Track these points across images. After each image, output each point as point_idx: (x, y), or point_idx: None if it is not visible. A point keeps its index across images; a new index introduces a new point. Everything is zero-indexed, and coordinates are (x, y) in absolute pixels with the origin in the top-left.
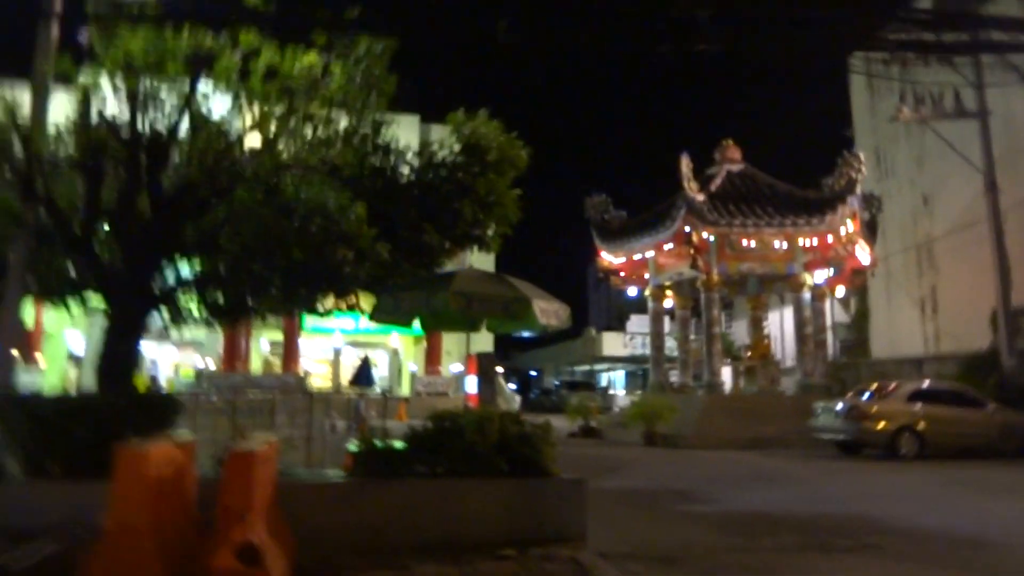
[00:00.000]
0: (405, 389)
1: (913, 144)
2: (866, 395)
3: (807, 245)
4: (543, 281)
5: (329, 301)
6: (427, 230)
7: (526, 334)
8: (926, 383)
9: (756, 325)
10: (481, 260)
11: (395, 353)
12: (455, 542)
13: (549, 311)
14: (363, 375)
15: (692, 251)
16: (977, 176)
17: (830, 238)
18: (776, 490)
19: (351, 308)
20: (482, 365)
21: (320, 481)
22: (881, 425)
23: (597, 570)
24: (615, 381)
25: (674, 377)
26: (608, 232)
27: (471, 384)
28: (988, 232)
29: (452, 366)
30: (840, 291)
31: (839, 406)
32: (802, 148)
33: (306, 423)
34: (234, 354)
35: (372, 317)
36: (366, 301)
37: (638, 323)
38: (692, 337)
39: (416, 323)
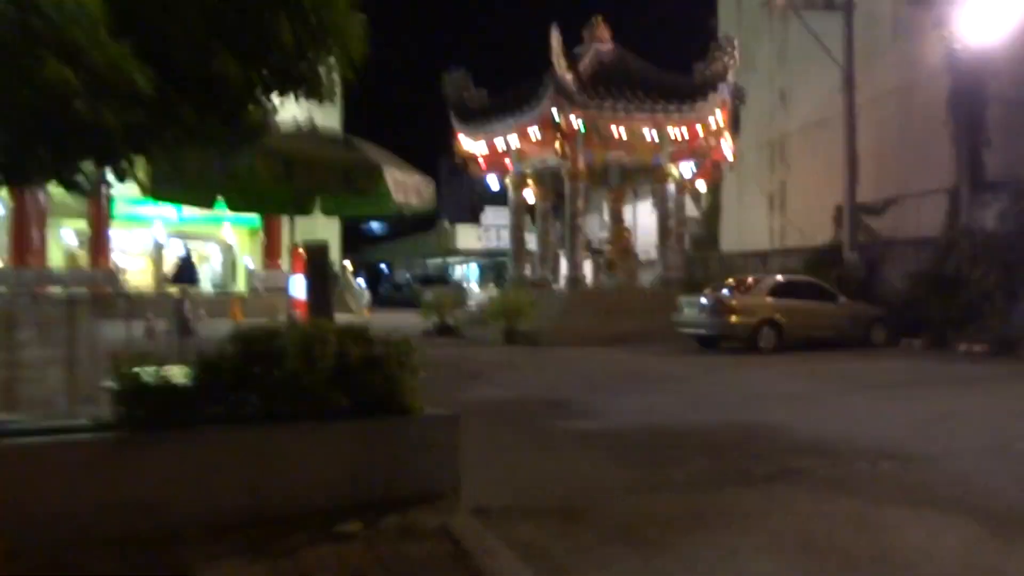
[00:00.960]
0: (241, 286)
1: (775, 39)
2: (726, 290)
3: (676, 136)
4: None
5: (88, 166)
6: (220, 54)
7: (376, 224)
8: (785, 277)
9: (616, 218)
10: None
11: (228, 247)
12: (273, 516)
13: (408, 186)
14: (185, 272)
15: (559, 137)
16: (835, 73)
17: (699, 128)
18: (657, 393)
19: (120, 176)
20: (313, 260)
21: (54, 440)
22: (744, 319)
23: (478, 546)
24: (469, 275)
25: (530, 272)
26: (467, 113)
27: (298, 286)
28: (840, 129)
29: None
30: (701, 185)
31: (703, 301)
32: (669, 34)
33: (68, 339)
34: (24, 246)
35: (152, 191)
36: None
37: (493, 215)
38: (552, 229)
39: (228, 206)
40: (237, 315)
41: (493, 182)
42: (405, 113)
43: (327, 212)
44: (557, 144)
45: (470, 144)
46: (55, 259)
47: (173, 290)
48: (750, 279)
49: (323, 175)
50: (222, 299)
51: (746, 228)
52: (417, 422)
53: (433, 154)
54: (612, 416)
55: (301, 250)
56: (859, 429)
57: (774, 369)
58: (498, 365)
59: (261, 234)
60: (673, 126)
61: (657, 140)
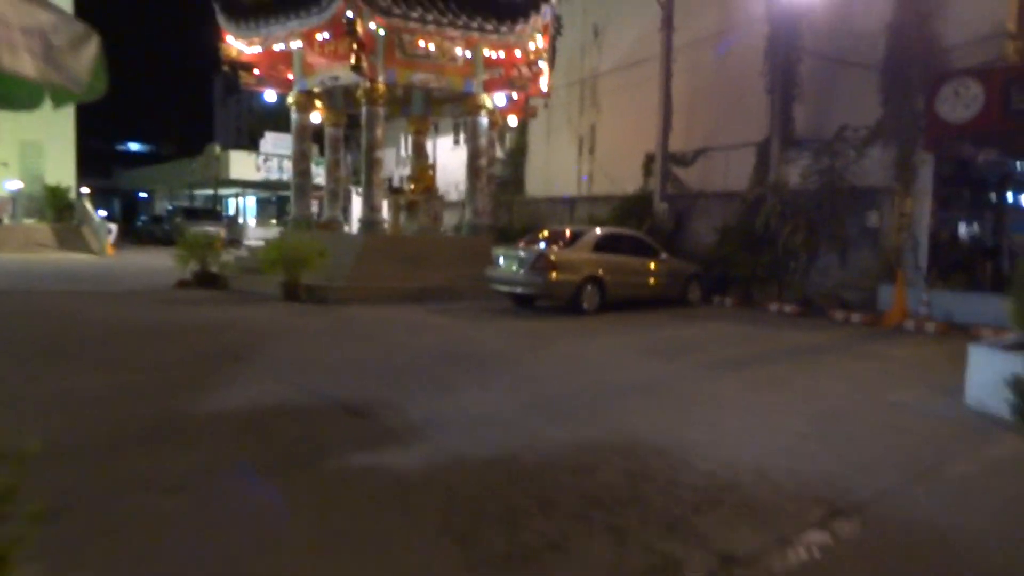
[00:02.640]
0: None
1: None
2: (541, 243)
3: (491, 58)
4: (155, 88)
5: None
6: None
7: (136, 144)
8: (607, 230)
9: (419, 152)
10: None
11: None
12: None
13: (17, 43)
14: None
15: (354, 47)
16: (653, 10)
17: (517, 53)
18: (485, 386)
19: None
20: None
21: None
22: (566, 276)
23: None
24: (245, 209)
25: (317, 211)
26: (237, 9)
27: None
28: (654, 72)
29: (7, 183)
30: (512, 121)
31: (522, 255)
32: None
33: None
34: None
35: None
36: None
37: (274, 142)
38: (344, 162)
39: None
40: None
41: (270, 96)
42: (174, 10)
43: None
44: (352, 57)
45: (242, 47)
46: None
47: None
48: (567, 231)
49: None
50: None
51: (553, 172)
52: None
53: (210, 70)
54: (435, 437)
55: None
56: (763, 448)
57: (606, 339)
58: (270, 336)
59: None
60: (489, 48)
61: (470, 62)
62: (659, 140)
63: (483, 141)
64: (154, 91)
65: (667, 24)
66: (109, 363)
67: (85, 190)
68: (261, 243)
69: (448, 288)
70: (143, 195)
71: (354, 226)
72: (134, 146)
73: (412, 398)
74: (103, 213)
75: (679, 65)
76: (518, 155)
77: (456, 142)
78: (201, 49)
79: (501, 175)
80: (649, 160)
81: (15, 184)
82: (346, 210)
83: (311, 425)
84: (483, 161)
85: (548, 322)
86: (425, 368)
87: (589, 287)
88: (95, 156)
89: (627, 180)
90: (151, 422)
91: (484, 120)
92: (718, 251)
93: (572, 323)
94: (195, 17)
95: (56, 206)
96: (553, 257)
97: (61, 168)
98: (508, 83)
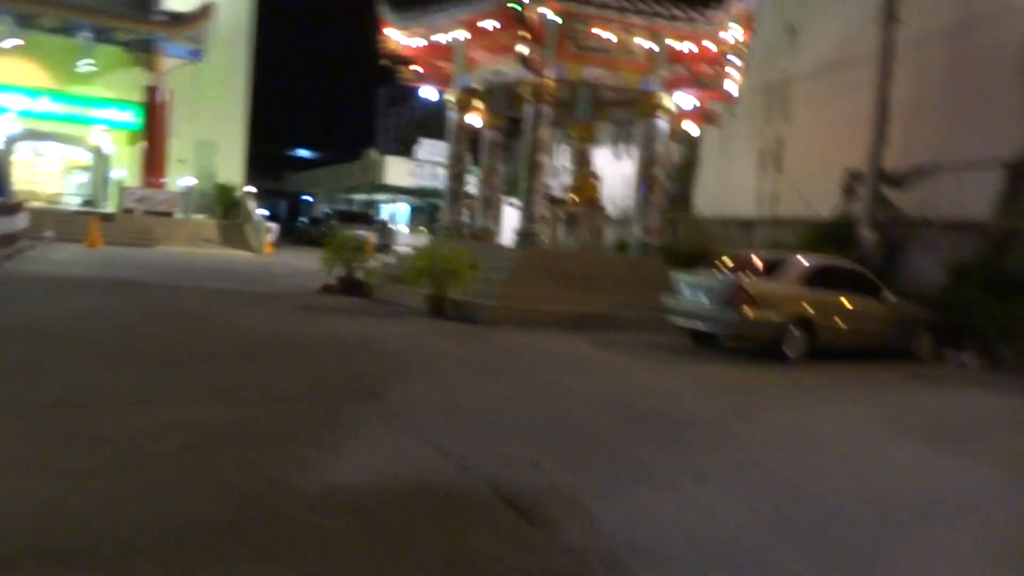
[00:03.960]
0: (112, 204)
1: None
2: (731, 271)
3: (677, 51)
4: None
5: None
6: None
7: (305, 149)
8: (821, 261)
9: (582, 161)
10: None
11: (101, 155)
12: None
13: None
14: None
15: (524, 35)
16: (865, 4)
17: (711, 45)
18: (707, 480)
19: None
20: None
21: None
22: (767, 315)
23: None
24: (398, 215)
25: (469, 220)
26: None
27: None
28: (863, 75)
29: (181, 178)
30: (692, 128)
31: (713, 284)
32: None
33: None
34: None
35: None
36: None
37: (429, 149)
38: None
39: None
40: (95, 240)
41: (429, 93)
42: (337, 19)
43: None
44: (520, 47)
45: (403, 39)
46: None
47: None
48: (765, 258)
49: None
50: (80, 219)
51: (727, 189)
52: None
53: (374, 83)
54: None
55: None
56: None
57: (835, 407)
58: (411, 363)
59: (142, 141)
60: (676, 39)
61: (651, 56)
62: (870, 155)
63: (660, 148)
64: (323, 101)
65: (889, 16)
66: (221, 390)
67: (251, 189)
68: (410, 250)
69: (612, 316)
70: (307, 198)
71: (506, 238)
72: (303, 152)
73: (598, 488)
74: (264, 213)
75: (900, 66)
76: (685, 169)
77: (615, 153)
78: (367, 62)
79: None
80: (852, 179)
81: (189, 181)
82: (496, 220)
83: (457, 530)
84: (658, 171)
85: (744, 371)
86: (604, 432)
87: (795, 330)
88: (268, 159)
89: (821, 201)
90: (229, 509)
91: (663, 124)
92: (949, 294)
93: (777, 375)
94: (365, 28)
95: (224, 203)
96: (752, 290)
97: (231, 167)
98: (694, 82)
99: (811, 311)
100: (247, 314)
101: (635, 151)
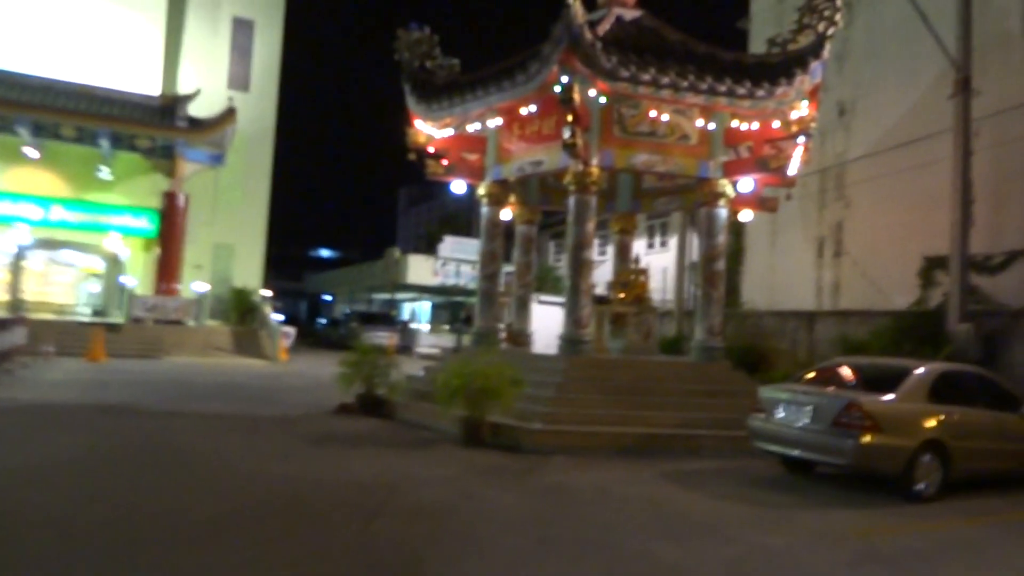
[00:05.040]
0: (123, 314)
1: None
2: (831, 384)
3: (738, 131)
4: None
5: None
6: None
7: (326, 250)
8: (947, 368)
9: (624, 255)
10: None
11: (115, 260)
12: None
13: None
14: None
15: (568, 119)
16: (924, 78)
17: (778, 124)
18: None
19: None
20: None
21: None
22: (893, 441)
23: None
24: (420, 314)
25: (501, 322)
26: (430, 88)
27: None
28: (931, 154)
29: (195, 284)
30: (746, 216)
31: (819, 401)
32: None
33: None
34: None
35: None
36: None
37: (452, 247)
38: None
39: None
40: (97, 354)
41: (460, 188)
42: (361, 118)
43: None
44: (566, 132)
45: (431, 130)
46: None
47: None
48: (864, 366)
49: None
50: (86, 331)
51: (781, 280)
52: None
53: (396, 183)
54: None
55: None
56: None
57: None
58: (455, 537)
59: (157, 247)
60: (739, 119)
61: (708, 138)
62: (954, 239)
63: (720, 239)
64: (345, 202)
65: (964, 87)
66: None
67: (267, 292)
68: (434, 351)
69: (681, 437)
70: (328, 298)
71: (539, 341)
72: (324, 251)
73: None
74: (280, 318)
75: (978, 140)
76: (731, 259)
77: (651, 244)
78: (389, 160)
79: None
80: (931, 265)
81: (203, 287)
82: (527, 321)
83: None
84: (720, 265)
85: (875, 516)
86: None
87: (928, 458)
88: (289, 261)
89: (893, 291)
90: None
91: (722, 212)
92: None
93: (922, 523)
94: (389, 123)
95: (239, 309)
96: (873, 410)
97: (248, 271)
98: (755, 166)
99: (943, 433)
100: (249, 450)
101: (674, 240)
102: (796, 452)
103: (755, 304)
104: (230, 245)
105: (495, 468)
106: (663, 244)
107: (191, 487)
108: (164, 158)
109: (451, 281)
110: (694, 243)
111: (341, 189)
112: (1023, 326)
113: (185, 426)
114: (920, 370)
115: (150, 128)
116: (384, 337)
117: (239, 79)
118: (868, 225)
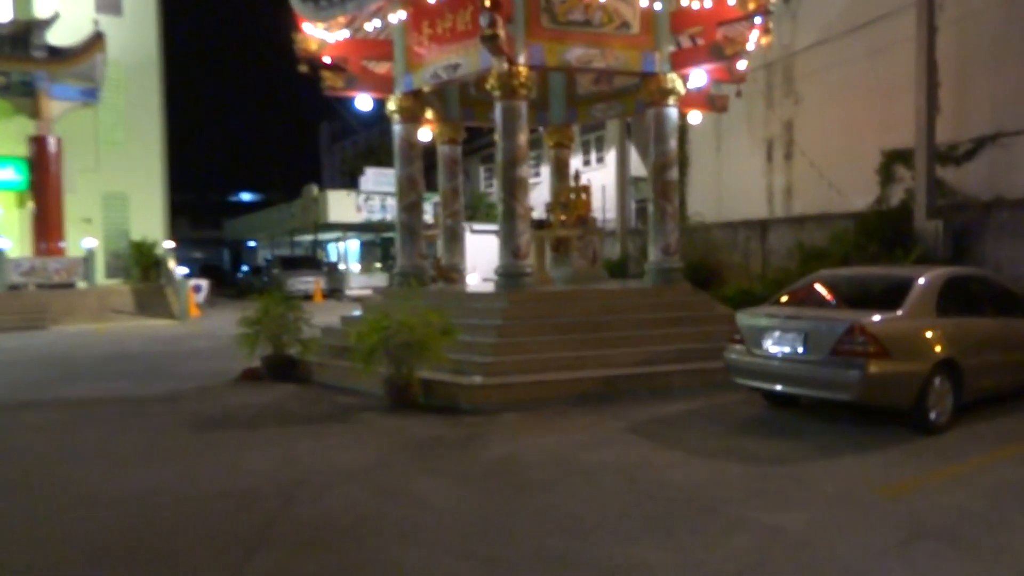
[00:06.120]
0: None
1: None
2: (815, 303)
3: (688, 9)
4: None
5: None
6: None
7: (247, 193)
8: (952, 272)
9: (562, 172)
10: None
11: None
12: None
13: None
14: None
15: (486, 3)
16: None
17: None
18: None
19: None
20: None
21: None
22: (904, 367)
23: None
24: (349, 254)
25: (428, 256)
26: None
27: None
28: (886, 37)
29: (85, 240)
30: (694, 118)
31: (814, 327)
32: None
33: None
34: None
35: None
36: None
37: (375, 179)
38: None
39: None
40: None
41: (364, 103)
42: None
43: None
44: (484, 21)
45: (321, 34)
46: None
47: None
48: (854, 277)
49: None
50: None
51: (728, 189)
52: None
53: (318, 117)
54: None
55: None
56: None
57: None
58: (361, 563)
59: (31, 201)
60: None
61: (651, 24)
62: (920, 129)
63: (672, 144)
64: (265, 142)
65: None
66: None
67: (169, 244)
68: (366, 291)
69: (646, 376)
70: (251, 244)
71: (475, 276)
72: (247, 196)
73: None
74: (184, 270)
75: (944, 15)
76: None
77: (587, 161)
78: (309, 95)
79: (643, 197)
80: (890, 160)
81: (89, 242)
82: (459, 253)
83: None
84: (673, 174)
85: (892, 459)
86: None
87: (939, 381)
88: (209, 208)
89: (851, 191)
90: None
91: (673, 112)
92: None
93: (952, 466)
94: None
95: (142, 264)
96: (878, 331)
97: (148, 221)
98: (711, 54)
99: (956, 351)
100: (105, 451)
101: (612, 155)
102: (786, 388)
103: (703, 217)
104: (123, 194)
105: (427, 442)
106: (599, 160)
107: (8, 524)
108: (24, 95)
109: (377, 216)
110: (633, 155)
111: (259, 128)
112: (995, 219)
113: (35, 421)
114: (923, 279)
115: (1, 59)
116: (310, 282)
117: (108, 1)
118: (821, 122)
